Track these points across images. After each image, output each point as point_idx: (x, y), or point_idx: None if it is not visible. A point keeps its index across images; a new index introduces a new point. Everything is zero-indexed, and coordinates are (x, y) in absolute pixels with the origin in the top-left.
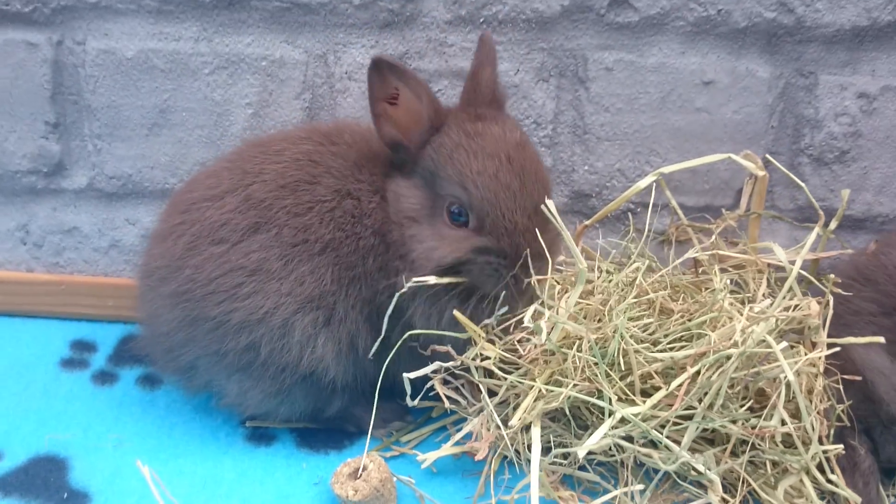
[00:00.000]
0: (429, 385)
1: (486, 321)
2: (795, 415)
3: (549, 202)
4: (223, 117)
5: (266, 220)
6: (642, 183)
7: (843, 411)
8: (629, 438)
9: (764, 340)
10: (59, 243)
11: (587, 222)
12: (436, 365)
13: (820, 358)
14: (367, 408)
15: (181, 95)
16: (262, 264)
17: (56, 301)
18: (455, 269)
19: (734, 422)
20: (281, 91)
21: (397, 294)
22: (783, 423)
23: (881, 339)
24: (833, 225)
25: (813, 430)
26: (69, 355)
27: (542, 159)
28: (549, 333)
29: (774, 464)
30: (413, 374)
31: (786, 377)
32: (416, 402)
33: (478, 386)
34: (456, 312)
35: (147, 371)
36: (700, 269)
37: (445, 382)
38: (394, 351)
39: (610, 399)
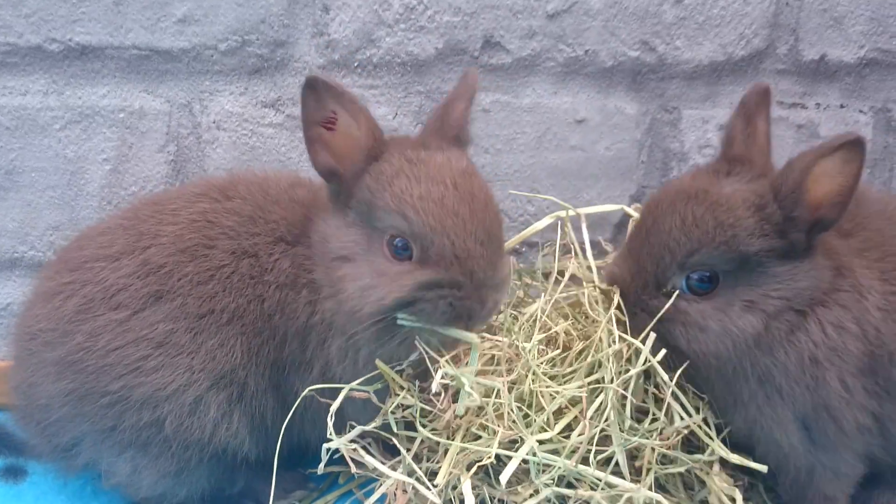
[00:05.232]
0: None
1: (399, 366)
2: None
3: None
4: (77, 175)
5: (168, 288)
6: (540, 224)
7: None
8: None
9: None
10: None
11: None
12: (358, 430)
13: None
14: (268, 481)
15: (29, 154)
16: (170, 337)
17: None
18: (399, 310)
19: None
20: (142, 144)
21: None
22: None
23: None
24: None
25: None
26: None
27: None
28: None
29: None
30: (335, 444)
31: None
32: (322, 466)
33: (387, 444)
34: (378, 361)
35: (8, 462)
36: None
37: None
38: (293, 409)
39: (524, 432)
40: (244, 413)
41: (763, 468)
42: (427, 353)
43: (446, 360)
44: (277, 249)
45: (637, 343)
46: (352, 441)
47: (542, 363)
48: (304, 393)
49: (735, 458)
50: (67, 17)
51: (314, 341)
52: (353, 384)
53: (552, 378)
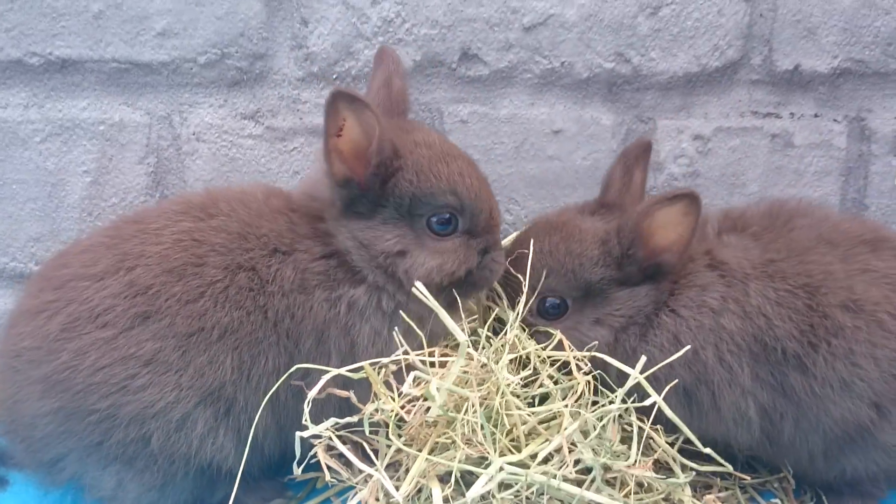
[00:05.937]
0: (312, 452)
1: (384, 360)
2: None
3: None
4: (58, 188)
5: (155, 309)
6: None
7: None
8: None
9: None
10: None
11: None
12: (331, 421)
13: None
14: (248, 490)
15: (10, 167)
16: (157, 355)
17: None
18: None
19: (632, 462)
20: (122, 156)
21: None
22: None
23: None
24: None
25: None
26: None
27: None
28: (438, 400)
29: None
30: (307, 433)
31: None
32: (299, 470)
33: (365, 449)
34: (366, 364)
35: None
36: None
37: (329, 448)
38: (277, 384)
39: (493, 455)
40: (231, 428)
41: (729, 467)
42: (409, 353)
43: (419, 360)
44: (275, 260)
45: (643, 379)
46: (325, 445)
47: (511, 383)
48: (292, 369)
49: (706, 451)
50: (48, 31)
51: (335, 332)
52: (343, 369)
53: (518, 397)
